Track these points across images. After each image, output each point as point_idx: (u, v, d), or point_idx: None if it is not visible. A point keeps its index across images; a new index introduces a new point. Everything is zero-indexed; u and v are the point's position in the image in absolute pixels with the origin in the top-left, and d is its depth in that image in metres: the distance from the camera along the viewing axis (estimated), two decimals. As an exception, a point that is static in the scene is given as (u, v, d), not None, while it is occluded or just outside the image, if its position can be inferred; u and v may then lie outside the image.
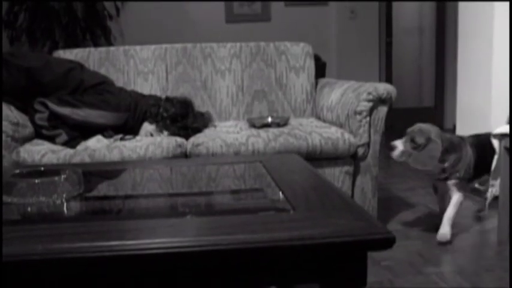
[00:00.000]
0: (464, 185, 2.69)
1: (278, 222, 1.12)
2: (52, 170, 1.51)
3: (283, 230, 1.06)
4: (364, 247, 1.06)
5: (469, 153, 2.64)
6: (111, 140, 2.67)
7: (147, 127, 2.84)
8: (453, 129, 6.07)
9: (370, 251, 1.09)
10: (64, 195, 1.41)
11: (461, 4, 3.60)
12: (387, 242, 1.04)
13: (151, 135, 2.81)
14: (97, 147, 2.56)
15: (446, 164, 2.59)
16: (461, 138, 2.72)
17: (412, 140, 2.56)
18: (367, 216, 1.13)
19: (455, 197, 2.63)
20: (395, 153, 2.58)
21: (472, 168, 2.65)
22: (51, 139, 2.65)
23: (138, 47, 3.30)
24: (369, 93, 2.67)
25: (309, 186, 1.44)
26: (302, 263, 1.07)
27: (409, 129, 2.61)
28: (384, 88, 2.69)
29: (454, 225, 2.61)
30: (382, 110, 2.73)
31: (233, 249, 1.00)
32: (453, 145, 2.61)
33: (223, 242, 1.00)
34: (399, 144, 2.58)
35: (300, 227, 1.07)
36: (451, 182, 2.64)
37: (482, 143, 2.71)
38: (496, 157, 2.67)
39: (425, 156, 2.54)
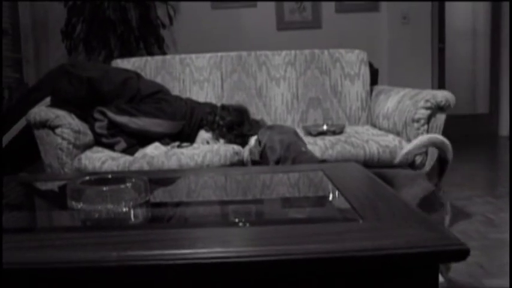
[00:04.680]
0: None
1: (348, 232, 1.10)
2: (118, 178, 1.53)
3: (355, 240, 1.04)
4: (438, 258, 1.04)
5: None
6: (169, 147, 2.71)
7: (203, 135, 2.87)
8: (510, 137, 5.92)
9: (442, 263, 1.06)
10: (131, 203, 1.44)
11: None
12: (461, 254, 1.01)
13: (208, 143, 2.84)
14: (155, 154, 2.60)
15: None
16: None
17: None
18: (439, 227, 1.10)
19: None
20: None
21: None
22: (110, 146, 2.71)
23: (193, 56, 3.35)
24: (427, 101, 2.63)
25: (373, 195, 1.41)
26: (372, 274, 1.05)
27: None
28: (442, 95, 2.64)
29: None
30: (440, 118, 2.68)
31: (305, 259, 0.99)
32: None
33: (296, 252, 1.00)
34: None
35: (371, 237, 1.05)
36: None
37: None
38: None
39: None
